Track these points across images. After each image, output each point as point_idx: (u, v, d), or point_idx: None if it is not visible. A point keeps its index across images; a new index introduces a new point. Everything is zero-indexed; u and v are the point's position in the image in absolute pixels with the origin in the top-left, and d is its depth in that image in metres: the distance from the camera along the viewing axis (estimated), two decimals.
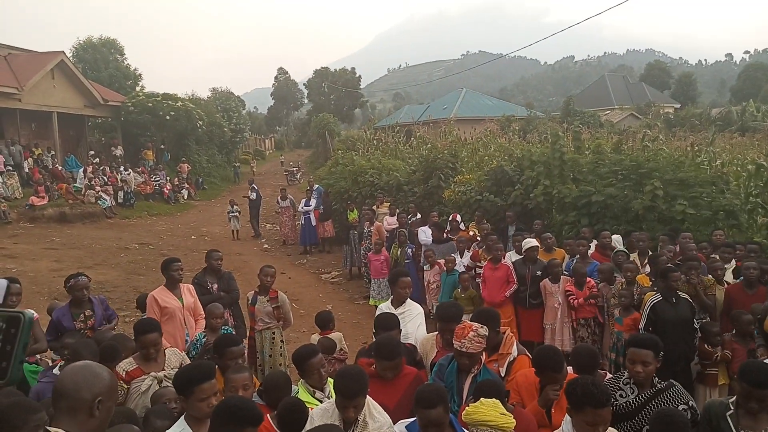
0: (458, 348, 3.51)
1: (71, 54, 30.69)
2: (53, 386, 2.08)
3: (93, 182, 19.71)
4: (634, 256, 6.96)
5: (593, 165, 9.98)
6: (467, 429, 2.85)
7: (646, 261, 6.73)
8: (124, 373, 3.87)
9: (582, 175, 9.96)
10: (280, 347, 6.15)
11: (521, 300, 7.11)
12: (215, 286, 6.35)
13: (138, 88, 32.50)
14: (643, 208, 8.43)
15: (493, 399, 2.73)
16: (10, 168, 18.57)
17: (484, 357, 3.66)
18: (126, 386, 3.83)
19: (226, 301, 6.22)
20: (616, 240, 7.65)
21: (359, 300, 11.00)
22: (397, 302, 5.07)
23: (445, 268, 8.15)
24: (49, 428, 1.92)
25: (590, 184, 9.39)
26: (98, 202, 19.01)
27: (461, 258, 8.45)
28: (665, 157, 9.98)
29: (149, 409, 3.41)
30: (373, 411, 2.97)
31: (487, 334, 3.60)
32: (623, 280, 6.15)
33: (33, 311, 1.48)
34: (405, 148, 20.04)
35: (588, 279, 6.64)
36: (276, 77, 63.96)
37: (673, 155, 10.62)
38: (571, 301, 6.62)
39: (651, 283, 6.07)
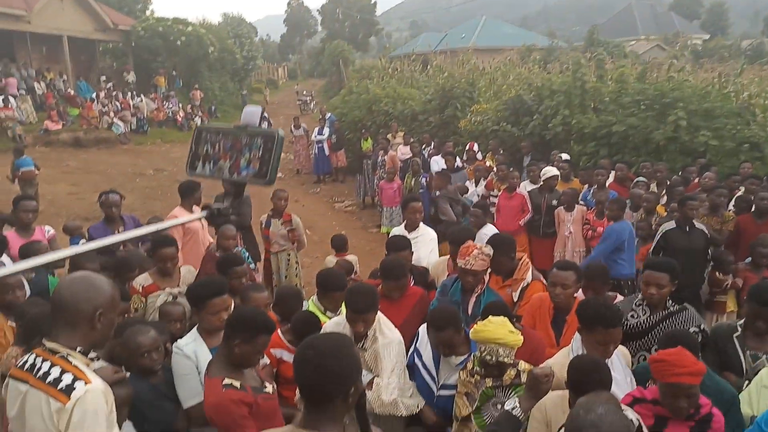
0: (462, 266, 3.53)
1: None
2: (50, 298, 1.93)
3: (107, 107, 19.60)
4: (652, 187, 6.85)
5: (615, 94, 9.68)
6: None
7: (664, 192, 6.63)
8: (141, 287, 3.95)
9: (603, 105, 9.68)
10: (296, 269, 6.26)
11: (535, 229, 7.09)
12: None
13: (148, 12, 31.62)
14: (665, 138, 8.21)
15: (501, 317, 2.74)
16: (23, 92, 18.47)
17: (488, 278, 3.67)
18: (144, 300, 3.92)
19: (235, 224, 6.25)
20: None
21: (372, 228, 11.06)
22: (410, 227, 5.09)
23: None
24: (46, 342, 1.84)
25: (611, 114, 9.13)
26: (112, 128, 18.97)
27: (476, 187, 8.39)
28: (690, 88, 9.62)
29: (134, 327, 2.94)
30: (384, 327, 3.02)
31: (491, 253, 3.60)
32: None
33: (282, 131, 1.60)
34: (421, 77, 19.49)
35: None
36: (288, 3, 61.61)
37: (699, 86, 10.22)
38: (586, 231, 6.57)
39: (666, 213, 6.01)
